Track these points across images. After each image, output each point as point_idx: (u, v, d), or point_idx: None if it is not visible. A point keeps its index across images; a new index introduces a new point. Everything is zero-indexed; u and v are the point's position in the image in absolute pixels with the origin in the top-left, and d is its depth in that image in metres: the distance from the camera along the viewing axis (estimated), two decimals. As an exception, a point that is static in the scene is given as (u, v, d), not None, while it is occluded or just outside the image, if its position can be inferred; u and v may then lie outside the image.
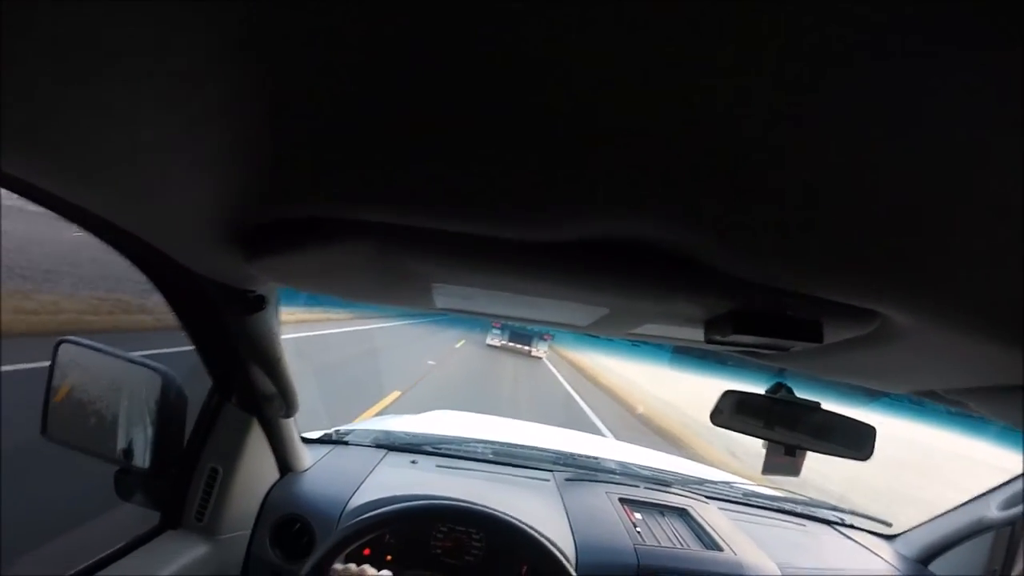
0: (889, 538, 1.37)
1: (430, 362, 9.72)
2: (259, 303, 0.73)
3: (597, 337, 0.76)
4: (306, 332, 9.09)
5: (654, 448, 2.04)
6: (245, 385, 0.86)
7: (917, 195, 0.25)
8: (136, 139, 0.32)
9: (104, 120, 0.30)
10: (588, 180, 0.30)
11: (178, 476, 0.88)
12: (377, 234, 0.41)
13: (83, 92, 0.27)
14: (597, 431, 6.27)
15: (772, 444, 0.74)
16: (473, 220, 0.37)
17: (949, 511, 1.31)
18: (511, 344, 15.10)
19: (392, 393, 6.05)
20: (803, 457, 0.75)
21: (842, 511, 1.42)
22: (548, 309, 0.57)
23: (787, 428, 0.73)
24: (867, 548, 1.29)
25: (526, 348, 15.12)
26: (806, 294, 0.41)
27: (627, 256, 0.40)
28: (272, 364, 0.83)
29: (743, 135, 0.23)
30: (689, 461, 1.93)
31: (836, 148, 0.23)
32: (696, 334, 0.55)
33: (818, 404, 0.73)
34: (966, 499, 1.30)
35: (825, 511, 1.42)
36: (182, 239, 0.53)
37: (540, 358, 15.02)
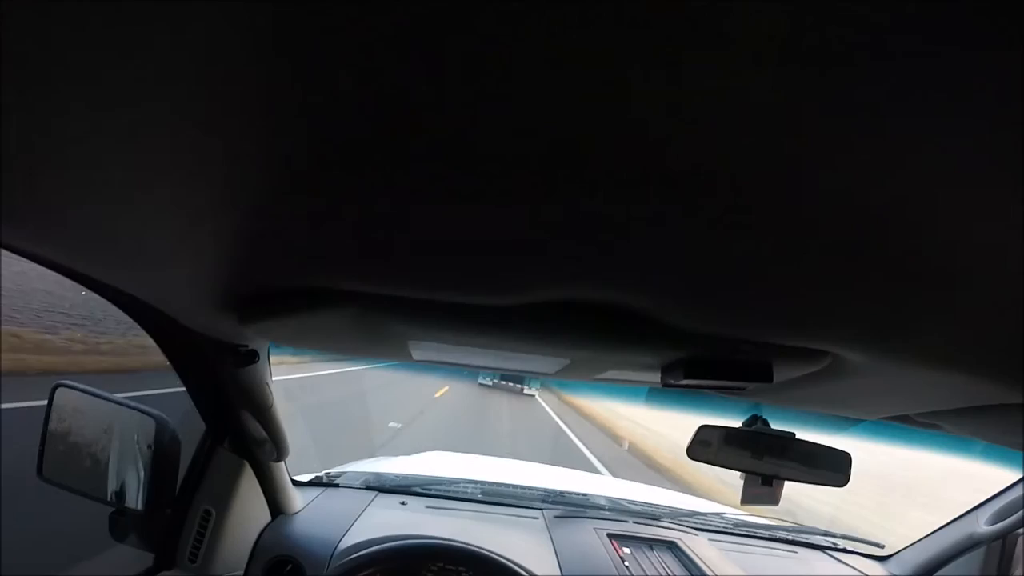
0: (882, 559, 1.37)
1: (392, 424, 6.49)
2: (251, 357, 0.76)
3: (577, 383, 0.78)
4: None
5: (643, 478, 2.04)
6: (237, 430, 0.88)
7: (860, 240, 0.27)
8: (142, 226, 0.37)
9: (112, 206, 0.34)
10: (544, 258, 0.34)
11: (172, 518, 0.89)
12: (359, 301, 0.46)
13: (93, 180, 0.31)
14: (588, 463, 6.12)
15: (750, 475, 0.76)
16: (443, 290, 0.42)
17: (939, 528, 1.32)
18: (503, 383, 14.83)
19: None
20: (781, 486, 0.77)
21: (833, 535, 1.42)
22: (516, 360, 0.61)
23: (764, 459, 0.75)
24: (860, 571, 1.29)
25: (518, 387, 14.72)
26: (754, 340, 0.44)
27: (584, 314, 0.43)
28: (263, 411, 0.86)
29: (685, 184, 0.24)
30: (679, 493, 1.93)
31: (769, 199, 0.24)
32: (654, 378, 0.58)
33: (793, 434, 0.75)
34: (955, 516, 1.31)
35: (816, 536, 1.41)
36: (180, 303, 0.57)
37: (532, 396, 14.70)
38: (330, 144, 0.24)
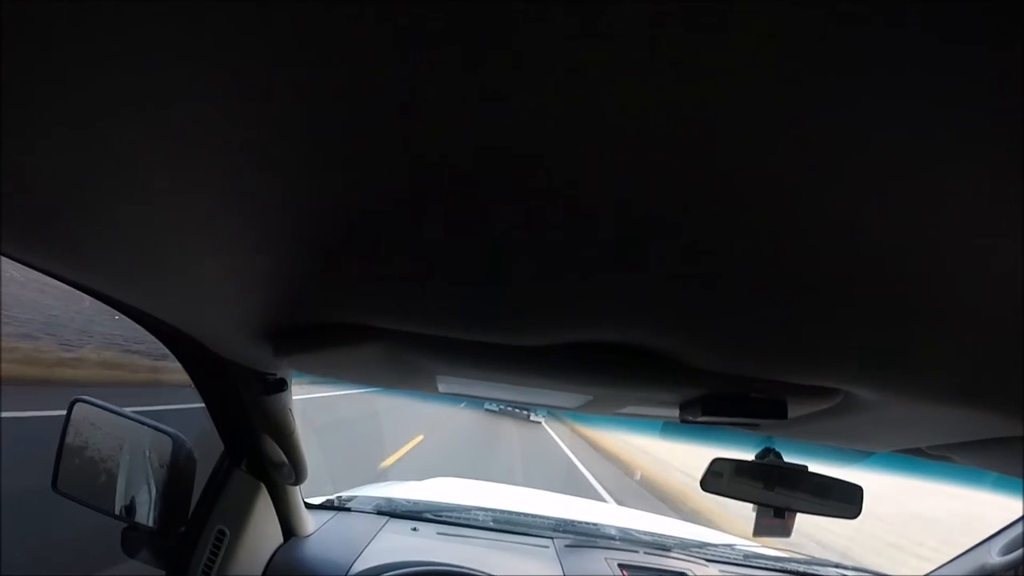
0: None
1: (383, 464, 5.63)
2: (280, 385, 0.78)
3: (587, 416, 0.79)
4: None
5: (655, 510, 2.02)
6: (256, 453, 0.89)
7: (868, 282, 0.27)
8: (185, 260, 0.39)
9: (155, 238, 0.36)
10: (569, 301, 0.35)
11: (185, 536, 0.90)
12: (388, 338, 0.47)
13: (137, 211, 0.32)
14: (597, 495, 6.02)
15: (762, 507, 0.76)
16: (470, 330, 0.44)
17: (952, 560, 1.30)
18: (509, 410, 14.70)
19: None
20: (793, 518, 0.77)
21: (844, 567, 1.40)
22: (540, 395, 0.62)
23: (776, 491, 0.75)
24: None
25: (525, 413, 14.59)
26: (768, 379, 0.45)
27: (607, 354, 0.44)
28: (285, 436, 0.87)
29: (702, 249, 0.26)
30: (689, 524, 1.91)
31: (781, 248, 0.25)
32: (673, 413, 0.59)
33: (805, 467, 0.76)
34: (967, 547, 1.29)
35: (828, 568, 1.39)
36: (215, 332, 0.59)
37: (539, 423, 14.61)
38: (375, 188, 0.26)
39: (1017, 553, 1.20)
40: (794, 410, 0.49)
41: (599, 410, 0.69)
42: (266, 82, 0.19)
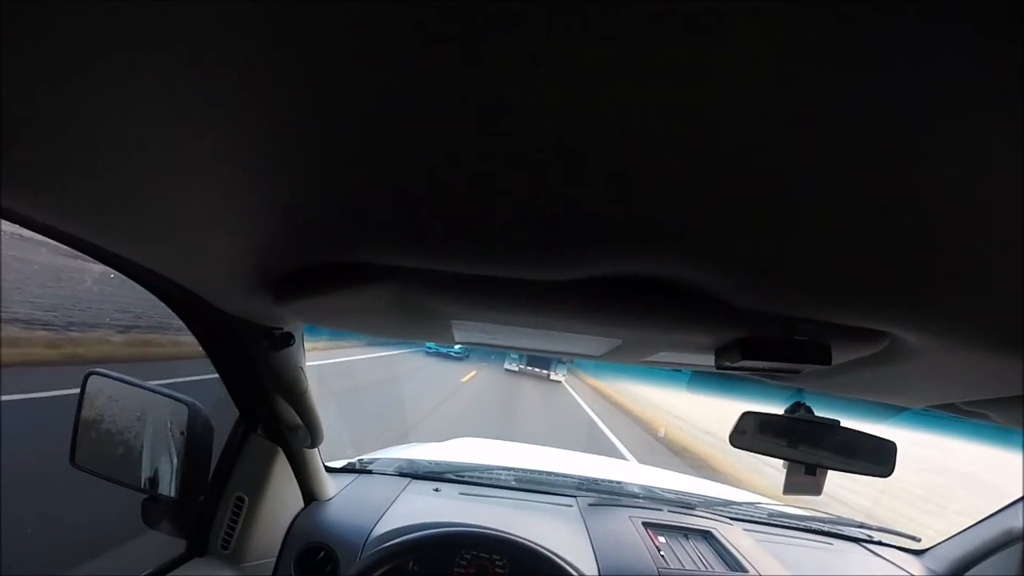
0: (918, 553, 1.34)
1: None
2: (287, 340, 0.75)
3: (611, 365, 0.76)
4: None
5: (678, 469, 2.02)
6: (271, 416, 0.88)
7: (919, 216, 0.26)
8: (174, 198, 0.35)
9: (142, 175, 0.32)
10: (600, 223, 0.31)
11: (204, 505, 0.90)
12: (398, 278, 0.44)
13: (123, 145, 0.29)
14: (619, 454, 6.06)
15: (792, 464, 0.74)
16: (490, 263, 0.40)
17: (977, 523, 1.28)
18: (529, 369, 14.93)
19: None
20: (824, 476, 0.75)
21: (869, 527, 1.39)
22: (563, 341, 0.59)
23: (807, 447, 0.73)
24: (896, 564, 1.27)
25: (544, 372, 14.83)
26: (813, 319, 0.42)
27: (638, 291, 0.41)
28: (297, 396, 0.85)
29: (752, 167, 0.24)
30: (713, 483, 1.90)
31: (837, 175, 0.24)
32: (707, 360, 0.56)
33: (837, 422, 0.73)
34: (994, 510, 1.27)
35: (852, 528, 1.39)
36: (215, 284, 0.56)
37: (559, 382, 14.75)
38: (370, 110, 0.23)
39: (1046, 518, 1.17)
40: (838, 355, 0.46)
41: (628, 358, 0.66)
42: None
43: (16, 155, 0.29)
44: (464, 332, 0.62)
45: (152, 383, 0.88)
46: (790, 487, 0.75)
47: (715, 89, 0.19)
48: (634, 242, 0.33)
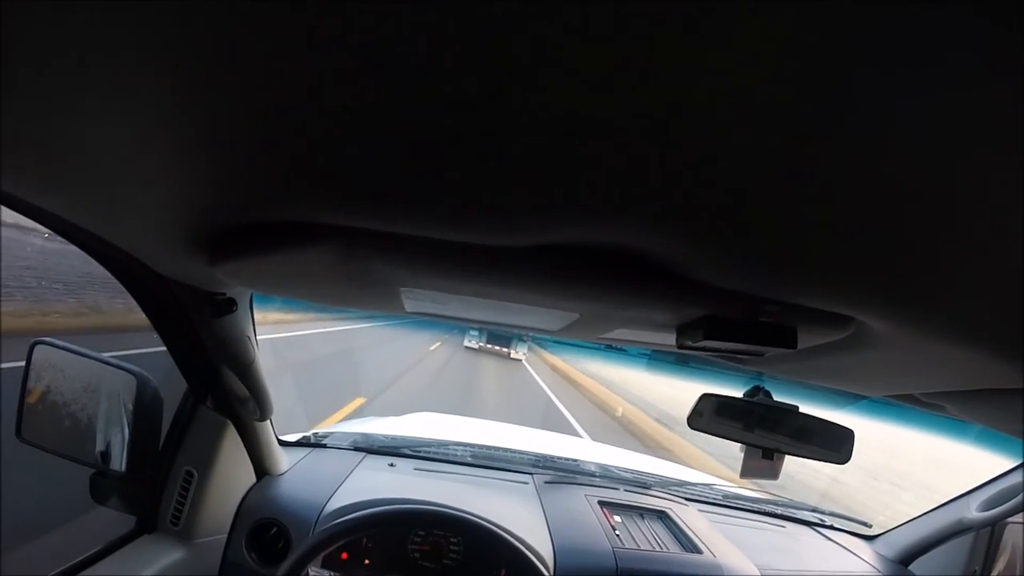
0: (869, 539, 1.38)
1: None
2: (228, 306, 0.72)
3: (572, 342, 0.75)
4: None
5: (633, 449, 2.05)
6: (220, 388, 0.85)
7: (891, 203, 0.25)
8: (97, 141, 0.32)
9: (66, 122, 0.29)
10: (558, 187, 0.29)
11: (153, 480, 0.87)
12: (341, 238, 0.41)
13: (47, 94, 0.26)
14: (572, 430, 6.16)
15: (750, 448, 0.74)
16: (440, 225, 0.37)
17: (929, 511, 1.32)
18: (488, 346, 14.91)
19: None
20: (781, 460, 0.76)
21: (822, 512, 1.43)
22: (518, 314, 0.57)
23: (765, 431, 0.73)
24: (847, 549, 1.30)
25: (504, 350, 14.85)
26: (779, 300, 0.41)
27: (597, 262, 0.39)
28: (244, 367, 0.82)
29: (729, 142, 0.23)
30: (669, 463, 1.93)
31: (809, 156, 0.23)
32: (669, 339, 0.55)
33: (796, 407, 0.74)
34: (946, 500, 1.31)
35: (805, 512, 1.43)
36: (144, 241, 0.52)
37: (519, 360, 14.74)
38: (308, 50, 0.21)
39: (997, 510, 1.21)
40: (804, 340, 0.45)
41: (587, 333, 0.65)
42: None
43: None
44: (414, 301, 0.59)
45: (104, 354, 0.84)
46: (748, 471, 0.76)
47: (704, 71, 0.19)
48: (594, 207, 0.31)
